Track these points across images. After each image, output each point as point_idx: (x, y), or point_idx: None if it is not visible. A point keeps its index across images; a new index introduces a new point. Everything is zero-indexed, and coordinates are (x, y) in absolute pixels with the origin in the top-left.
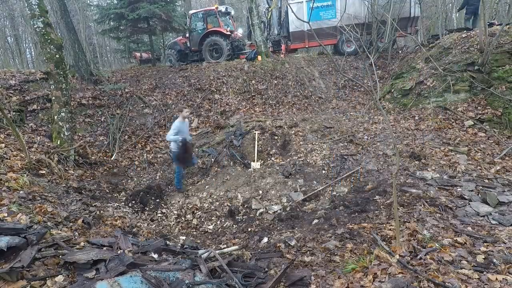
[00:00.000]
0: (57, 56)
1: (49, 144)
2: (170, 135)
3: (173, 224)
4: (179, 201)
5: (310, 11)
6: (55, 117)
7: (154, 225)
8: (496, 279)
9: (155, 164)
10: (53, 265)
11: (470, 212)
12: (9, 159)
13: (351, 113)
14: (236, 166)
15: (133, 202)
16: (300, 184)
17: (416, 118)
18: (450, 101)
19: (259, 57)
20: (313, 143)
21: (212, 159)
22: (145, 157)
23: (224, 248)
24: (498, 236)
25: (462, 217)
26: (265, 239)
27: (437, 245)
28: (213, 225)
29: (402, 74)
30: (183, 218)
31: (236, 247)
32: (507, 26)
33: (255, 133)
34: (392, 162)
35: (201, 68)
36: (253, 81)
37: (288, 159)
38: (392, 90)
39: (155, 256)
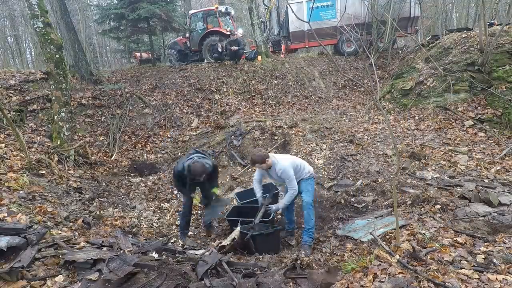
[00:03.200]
0: (57, 56)
1: (49, 144)
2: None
3: (173, 224)
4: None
5: (310, 11)
6: (55, 117)
7: (154, 225)
8: (496, 279)
9: (156, 164)
10: (53, 265)
11: (470, 212)
12: (9, 159)
13: (351, 113)
14: (236, 166)
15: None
16: None
17: (416, 118)
18: (450, 101)
19: (259, 57)
20: (313, 143)
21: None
22: (145, 157)
23: None
24: (498, 236)
25: (462, 217)
26: None
27: (437, 245)
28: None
29: (402, 74)
30: None
31: None
32: (507, 26)
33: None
34: (392, 162)
35: (201, 68)
36: (253, 81)
37: None
38: (392, 90)
39: (156, 255)
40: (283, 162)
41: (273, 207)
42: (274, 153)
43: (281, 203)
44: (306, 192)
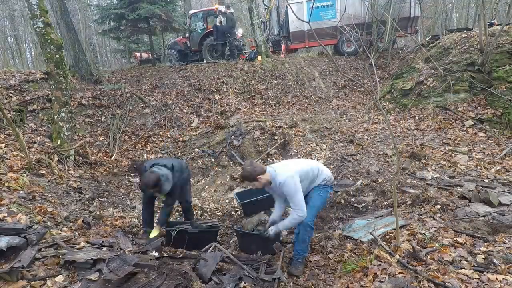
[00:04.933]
0: (57, 56)
1: (49, 144)
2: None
3: None
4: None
5: (310, 11)
6: (55, 117)
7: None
8: (496, 279)
9: None
10: (53, 265)
11: (470, 212)
12: (9, 159)
13: (351, 113)
14: (236, 166)
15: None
16: None
17: (416, 118)
18: (450, 101)
19: (259, 57)
20: (313, 143)
21: (212, 159)
22: (145, 157)
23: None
24: (498, 236)
25: (462, 217)
26: None
27: (437, 245)
28: None
29: (402, 74)
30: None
31: None
32: (507, 26)
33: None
34: (392, 162)
35: (201, 68)
36: (253, 81)
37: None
38: (392, 90)
39: (156, 254)
40: (284, 172)
41: (272, 230)
42: (274, 153)
43: (281, 225)
44: (311, 207)
